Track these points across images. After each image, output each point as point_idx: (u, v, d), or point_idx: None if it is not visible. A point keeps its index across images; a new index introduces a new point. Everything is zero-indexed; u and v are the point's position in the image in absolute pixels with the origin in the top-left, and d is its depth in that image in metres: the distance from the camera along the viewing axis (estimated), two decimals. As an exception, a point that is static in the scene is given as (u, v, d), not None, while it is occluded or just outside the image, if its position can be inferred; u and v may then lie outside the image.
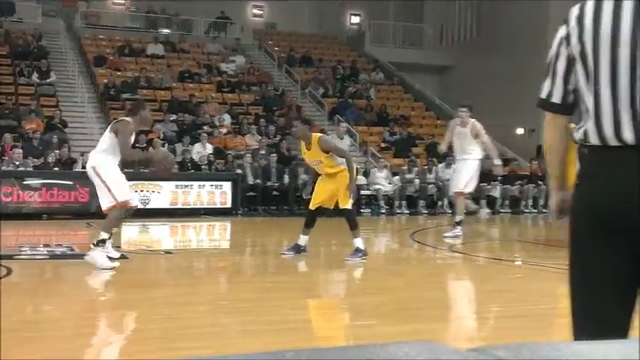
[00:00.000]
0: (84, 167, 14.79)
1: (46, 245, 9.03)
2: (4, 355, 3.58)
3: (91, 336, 4.70)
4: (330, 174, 7.95)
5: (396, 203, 16.20)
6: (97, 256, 6.91)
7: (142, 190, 13.55)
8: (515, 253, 9.55)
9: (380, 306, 5.66)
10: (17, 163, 13.90)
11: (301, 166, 16.28)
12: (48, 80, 19.18)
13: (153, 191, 13.74)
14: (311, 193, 8.34)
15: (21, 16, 23.12)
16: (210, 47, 23.71)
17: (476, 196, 13.20)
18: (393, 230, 12.96)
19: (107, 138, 7.09)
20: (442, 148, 10.82)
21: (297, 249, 8.14)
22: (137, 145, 16.17)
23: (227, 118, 18.75)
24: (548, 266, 7.40)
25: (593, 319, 2.15)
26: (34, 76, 19.09)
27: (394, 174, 16.94)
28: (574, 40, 2.17)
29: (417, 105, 22.78)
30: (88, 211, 12.27)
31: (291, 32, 26.56)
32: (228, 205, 14.65)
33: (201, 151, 16.28)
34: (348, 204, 7.87)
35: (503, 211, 16.78)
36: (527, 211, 17.06)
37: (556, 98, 2.23)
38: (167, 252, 8.97)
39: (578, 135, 2.18)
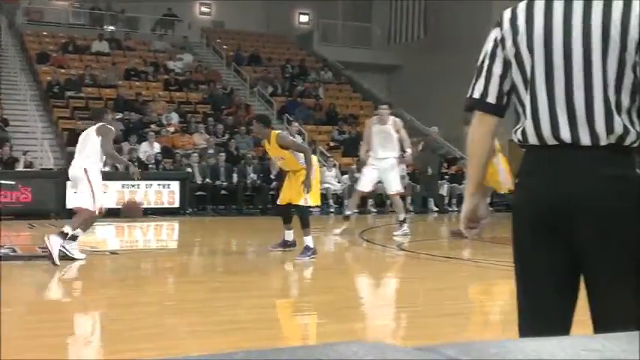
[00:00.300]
0: (26, 166, 14.55)
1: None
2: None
3: (33, 339, 4.58)
4: (294, 170, 8.06)
5: (345, 202, 16.23)
6: (73, 249, 7.44)
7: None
8: (463, 251, 9.67)
9: (329, 305, 5.67)
10: (-44, 162, 13.54)
11: (250, 165, 16.24)
12: (-11, 78, 18.71)
13: (98, 191, 13.47)
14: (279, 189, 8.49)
15: (-40, 13, 22.50)
16: (157, 45, 23.43)
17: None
18: (345, 229, 12.97)
19: (94, 143, 7.60)
20: (363, 152, 10.68)
21: (285, 244, 8.33)
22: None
23: (175, 117, 18.57)
24: (494, 264, 7.51)
25: (538, 316, 2.18)
26: (-26, 74, 18.60)
27: (343, 173, 17.02)
28: (509, 43, 2.19)
29: (365, 104, 22.90)
30: (31, 212, 11.99)
31: (239, 31, 26.44)
32: (177, 204, 14.50)
33: (149, 150, 16.07)
34: (301, 201, 7.91)
35: (450, 209, 16.98)
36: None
37: (491, 99, 2.23)
38: (113, 252, 8.82)
39: (516, 136, 2.21)
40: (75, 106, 18.51)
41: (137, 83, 20.54)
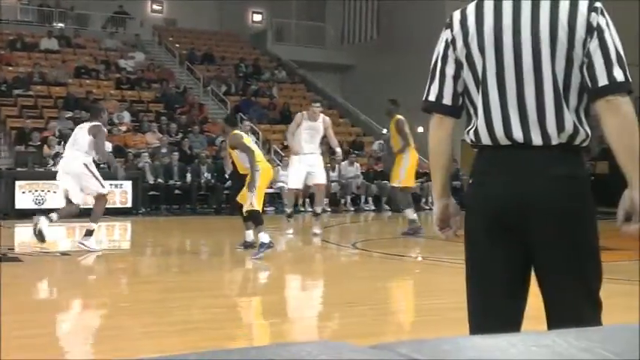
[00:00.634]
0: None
1: None
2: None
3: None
4: (245, 172, 8.10)
5: (300, 201, 16.24)
6: (91, 244, 8.25)
7: (36, 190, 13.05)
8: (416, 249, 9.76)
9: (283, 304, 5.66)
10: None
11: (204, 164, 16.10)
12: None
13: (48, 190, 13.19)
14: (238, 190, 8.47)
15: None
16: (107, 43, 23.07)
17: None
18: (297, 228, 12.97)
19: (87, 140, 8.01)
20: (297, 145, 10.53)
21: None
22: (30, 143, 15.58)
23: (127, 116, 18.32)
24: (446, 261, 7.59)
25: (489, 314, 2.20)
26: None
27: (297, 171, 16.97)
28: (459, 44, 2.20)
29: (319, 103, 22.92)
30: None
31: (192, 29, 26.21)
32: (129, 204, 14.30)
33: (100, 149, 15.81)
34: (247, 203, 7.92)
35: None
36: (427, 207, 17.44)
37: (447, 100, 2.25)
38: (64, 254, 8.66)
39: (468, 137, 2.22)
40: (23, 105, 18.14)
41: (87, 81, 20.20)
